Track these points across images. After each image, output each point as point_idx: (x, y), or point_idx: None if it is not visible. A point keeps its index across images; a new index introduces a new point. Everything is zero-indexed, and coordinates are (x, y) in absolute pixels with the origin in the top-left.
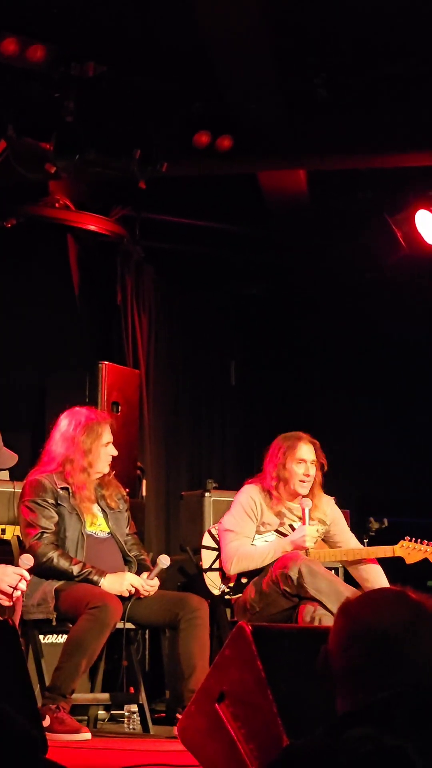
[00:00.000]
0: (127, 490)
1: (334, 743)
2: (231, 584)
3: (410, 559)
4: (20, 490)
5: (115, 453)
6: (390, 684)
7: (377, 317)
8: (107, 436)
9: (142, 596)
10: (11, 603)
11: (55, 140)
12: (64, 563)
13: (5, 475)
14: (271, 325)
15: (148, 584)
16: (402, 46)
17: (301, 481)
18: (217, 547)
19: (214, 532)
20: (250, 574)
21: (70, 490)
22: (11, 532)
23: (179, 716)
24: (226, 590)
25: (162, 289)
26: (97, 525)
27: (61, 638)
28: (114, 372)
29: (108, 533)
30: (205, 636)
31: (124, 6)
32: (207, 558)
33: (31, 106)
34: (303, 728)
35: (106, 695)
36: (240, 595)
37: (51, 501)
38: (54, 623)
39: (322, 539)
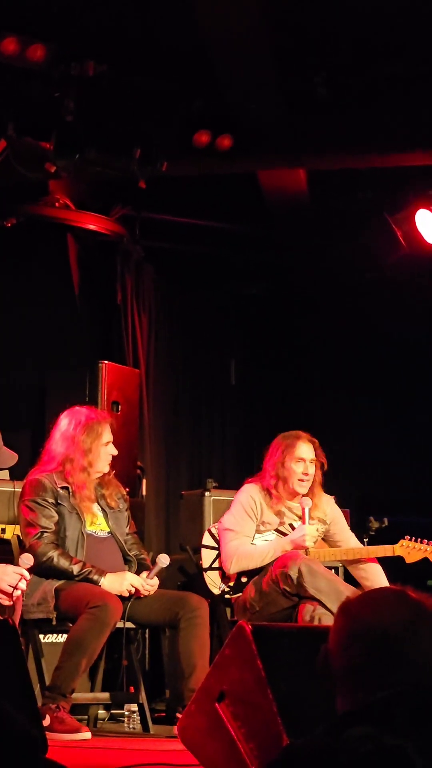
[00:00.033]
0: (127, 489)
1: (334, 742)
2: (231, 583)
3: (410, 559)
4: (20, 490)
5: (115, 452)
6: (390, 683)
7: (377, 317)
8: (107, 435)
9: (142, 596)
10: (11, 602)
11: (55, 139)
12: (64, 563)
13: (5, 474)
14: (271, 324)
15: (147, 584)
16: (402, 45)
17: (300, 480)
18: (217, 546)
19: (214, 531)
20: (250, 574)
21: (70, 490)
22: (11, 532)
23: (179, 715)
24: (226, 589)
25: (162, 289)
26: (97, 524)
27: (61, 638)
28: (114, 371)
29: (108, 533)
30: (205, 635)
31: (124, 5)
32: (207, 557)
33: (31, 106)
34: (303, 727)
35: (106, 695)
36: (240, 594)
37: (51, 500)
38: (54, 623)
39: (322, 538)
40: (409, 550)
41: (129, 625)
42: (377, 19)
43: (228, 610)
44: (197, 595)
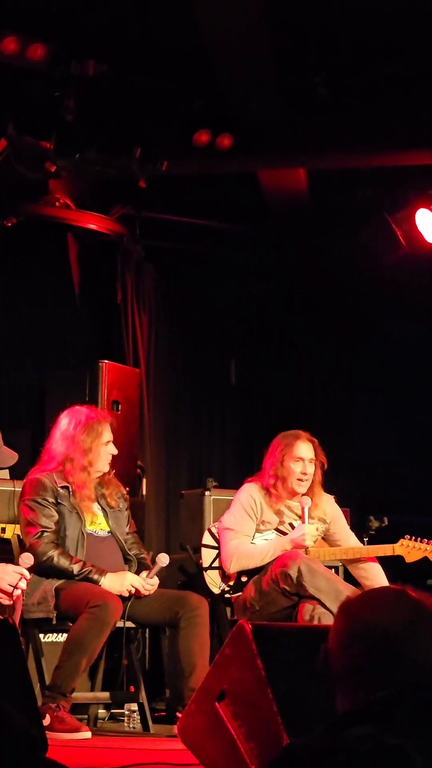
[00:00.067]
0: (127, 488)
1: (334, 742)
2: (231, 583)
3: (410, 558)
4: (20, 489)
5: (115, 452)
6: (390, 683)
7: (377, 316)
8: (107, 434)
9: (142, 595)
10: (11, 602)
11: (56, 139)
12: (64, 562)
13: (5, 473)
14: (271, 323)
15: (147, 583)
16: (402, 45)
17: (298, 479)
18: (217, 545)
19: (214, 530)
20: (250, 573)
21: (70, 489)
22: (11, 531)
23: (179, 715)
24: (226, 589)
25: (162, 288)
26: (97, 524)
27: (62, 637)
28: (114, 371)
29: (108, 532)
30: (205, 634)
31: (124, 5)
32: (207, 557)
33: (31, 105)
34: (303, 727)
35: (106, 694)
36: (240, 593)
37: (51, 500)
38: (54, 622)
39: (322, 538)
40: (409, 549)
41: (129, 624)
42: (377, 19)
43: (228, 610)
44: (197, 594)
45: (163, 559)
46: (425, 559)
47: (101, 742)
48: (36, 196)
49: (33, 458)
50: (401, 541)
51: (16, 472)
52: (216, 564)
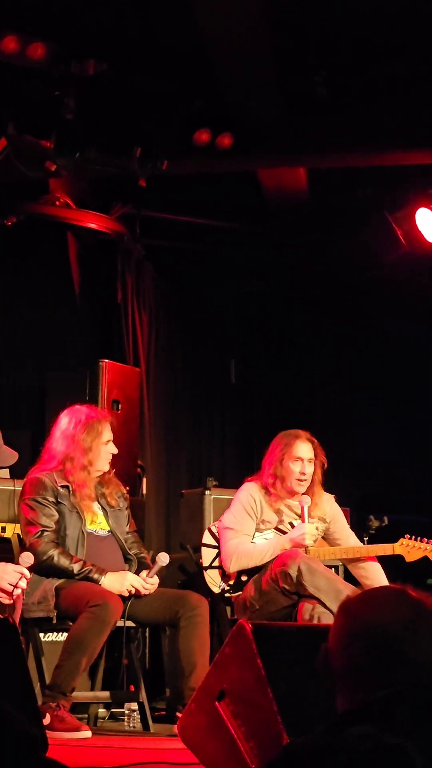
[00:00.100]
0: (128, 488)
1: (334, 741)
2: (231, 582)
3: (410, 557)
4: (20, 489)
5: (116, 451)
6: (390, 682)
7: (377, 315)
8: (107, 434)
9: (142, 595)
10: (11, 601)
11: (56, 138)
12: (64, 561)
13: (5, 473)
14: (271, 322)
15: (147, 583)
16: (402, 45)
17: (297, 479)
18: (217, 545)
19: (214, 530)
20: (250, 572)
21: (71, 488)
22: (11, 530)
23: (179, 714)
24: (226, 588)
25: (162, 287)
26: (98, 523)
27: (62, 636)
28: (114, 370)
29: (108, 531)
30: (205, 634)
31: (125, 5)
32: (207, 556)
33: (31, 104)
34: (303, 726)
35: (106, 693)
36: (240, 593)
37: (51, 499)
38: (54, 621)
39: (322, 537)
40: (409, 548)
41: (129, 623)
42: (377, 19)
43: (228, 609)
44: (197, 593)
45: (163, 559)
46: (425, 558)
47: (101, 742)
48: (36, 195)
49: (33, 457)
50: (401, 540)
51: (17, 472)
52: (216, 563)
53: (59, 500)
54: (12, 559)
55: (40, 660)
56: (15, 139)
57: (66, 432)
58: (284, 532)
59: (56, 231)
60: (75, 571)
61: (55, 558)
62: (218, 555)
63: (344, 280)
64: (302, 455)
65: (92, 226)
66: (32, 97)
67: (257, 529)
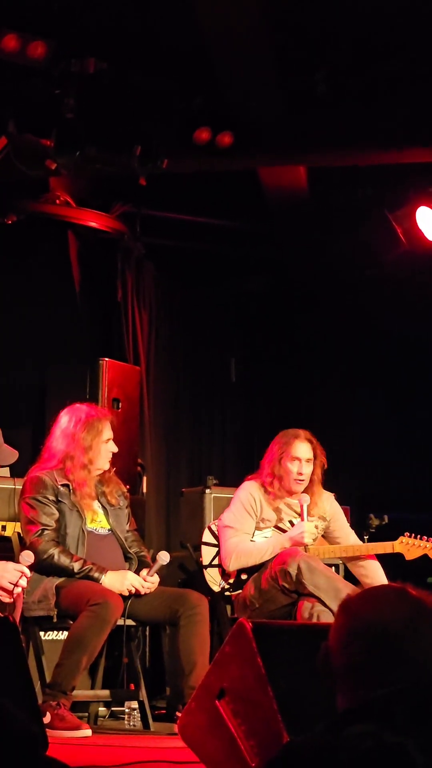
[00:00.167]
0: (128, 486)
1: (335, 740)
2: (231, 581)
3: (410, 556)
4: (21, 487)
5: (116, 450)
6: (390, 681)
7: (377, 313)
8: (107, 432)
9: (142, 594)
10: (12, 600)
11: (56, 137)
12: (64, 560)
13: (5, 471)
14: (271, 321)
15: (148, 582)
16: (402, 43)
17: (295, 479)
18: (217, 543)
19: (214, 528)
20: (250, 571)
21: (71, 487)
22: (12, 529)
23: (179, 713)
24: (226, 587)
25: (162, 286)
26: (98, 522)
27: (62, 635)
28: (114, 368)
29: (108, 530)
30: (205, 632)
31: (125, 4)
32: (207, 554)
33: (31, 103)
34: (303, 725)
35: (106, 692)
36: (240, 591)
37: (51, 498)
38: (55, 620)
39: (322, 536)
40: (409, 547)
41: (129, 622)
42: (377, 18)
43: (228, 607)
44: (197, 592)
45: (164, 557)
46: (425, 556)
47: (101, 740)
48: (36, 193)
49: (33, 456)
50: (401, 538)
51: (17, 470)
52: (216, 562)
53: (59, 499)
54: (12, 557)
55: (41, 659)
56: (15, 137)
57: (66, 430)
58: (284, 531)
59: (56, 230)
60: (75, 570)
61: (56, 557)
62: (218, 553)
63: (344, 279)
64: (300, 455)
65: (92, 224)
66: (32, 95)
67: (257, 528)
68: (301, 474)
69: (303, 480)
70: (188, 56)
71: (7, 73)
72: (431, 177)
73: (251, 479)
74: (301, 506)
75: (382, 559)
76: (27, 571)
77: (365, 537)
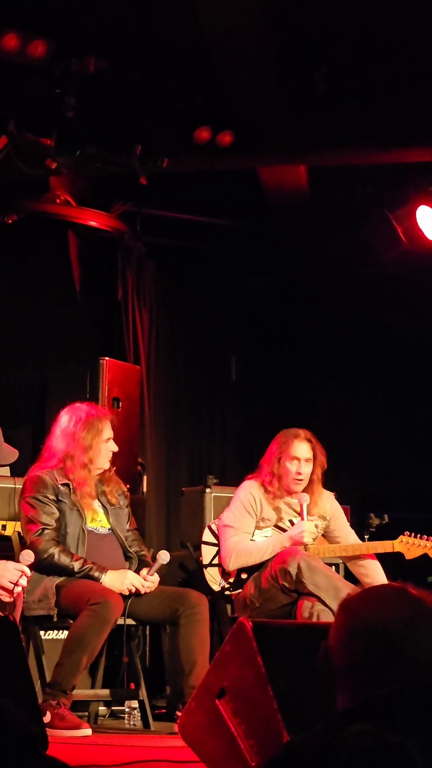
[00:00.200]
0: (128, 486)
1: (335, 739)
2: (231, 580)
3: (410, 555)
4: (21, 486)
5: (116, 449)
6: (390, 680)
7: (378, 312)
8: (108, 432)
9: (142, 593)
10: (12, 599)
11: (56, 136)
12: (65, 559)
13: (6, 471)
14: (271, 320)
15: (148, 581)
16: (402, 43)
17: (293, 479)
18: (217, 542)
19: (214, 527)
20: (250, 570)
21: (71, 486)
22: (12, 529)
23: (179, 713)
24: (226, 586)
25: (163, 285)
26: (98, 521)
27: (62, 634)
28: (115, 368)
29: (109, 529)
30: (205, 631)
31: (125, 3)
32: (207, 554)
33: (32, 102)
34: (303, 724)
35: (106, 691)
36: (240, 590)
37: (52, 497)
38: (55, 619)
39: (322, 535)
40: (409, 546)
41: (130, 621)
42: (377, 17)
43: (228, 607)
44: (197, 591)
45: (164, 557)
46: (425, 556)
47: (102, 740)
48: (37, 193)
49: (33, 455)
50: (401, 537)
51: (17, 470)
52: (216, 561)
53: (60, 498)
54: (12, 557)
55: (41, 658)
56: (15, 136)
57: (66, 430)
58: (284, 530)
59: (57, 229)
60: (75, 569)
61: (56, 556)
62: (218, 553)
63: (345, 278)
64: (299, 455)
65: (93, 224)
66: (33, 94)
67: (257, 527)
68: (299, 473)
69: (302, 479)
70: (188, 56)
71: (8, 73)
72: (431, 176)
73: (251, 478)
74: (301, 506)
75: (382, 558)
76: (27, 571)
77: (366, 536)
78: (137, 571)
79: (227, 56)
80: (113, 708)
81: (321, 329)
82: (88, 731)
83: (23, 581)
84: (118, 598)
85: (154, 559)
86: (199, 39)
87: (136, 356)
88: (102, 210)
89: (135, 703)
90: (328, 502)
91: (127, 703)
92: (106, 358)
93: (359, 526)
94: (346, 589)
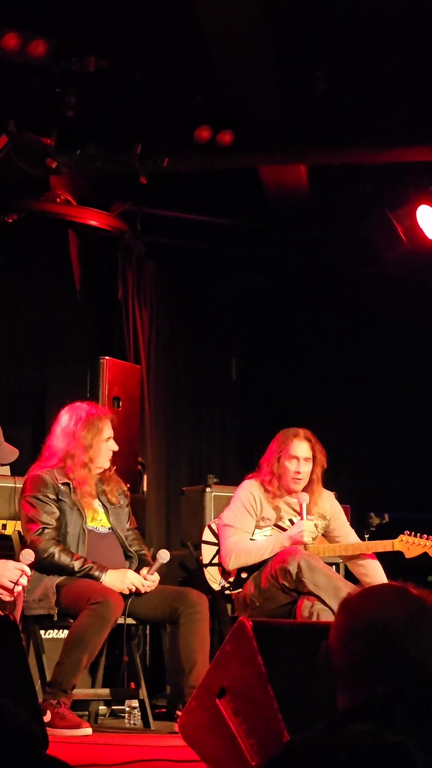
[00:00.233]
0: (128, 485)
1: (335, 739)
2: (231, 579)
3: (410, 554)
4: (21, 486)
5: (116, 448)
6: (390, 679)
7: (378, 312)
8: (108, 431)
9: (142, 592)
10: (12, 598)
11: (56, 135)
12: (65, 559)
13: (6, 470)
14: (271, 319)
15: (148, 580)
16: (402, 43)
17: (292, 478)
18: (217, 542)
19: (214, 527)
20: (250, 569)
21: (71, 486)
22: (12, 528)
23: (179, 712)
24: (226, 585)
25: (163, 284)
26: (98, 520)
27: (62, 633)
28: (115, 367)
29: (109, 528)
30: (205, 630)
31: (125, 3)
32: (207, 553)
33: (32, 101)
34: (303, 724)
35: (106, 690)
36: (240, 590)
37: (52, 496)
38: (55, 619)
39: (322, 534)
40: (409, 545)
41: (130, 621)
42: (377, 16)
43: (228, 606)
44: (196, 590)
45: (164, 556)
46: (425, 555)
47: (102, 739)
48: (37, 192)
49: (34, 455)
50: (401, 536)
51: (17, 469)
52: (216, 560)
53: (60, 497)
54: (13, 556)
55: (41, 657)
56: (16, 136)
57: (66, 429)
58: (283, 529)
59: (57, 228)
60: (76, 569)
61: (56, 555)
62: (218, 552)
63: (345, 277)
64: (298, 454)
65: (93, 223)
66: (33, 94)
67: (257, 526)
68: (298, 472)
69: (301, 478)
70: (188, 55)
71: (8, 72)
72: (431, 176)
73: (251, 478)
74: (301, 505)
75: (382, 557)
76: (27, 570)
77: (366, 536)
78: (137, 571)
79: (227, 56)
80: (113, 707)
81: (321, 328)
82: (88, 730)
83: (23, 580)
84: (118, 597)
85: (154, 558)
86: (199, 39)
87: (136, 355)
88: (102, 209)
89: (135, 703)
90: (328, 502)
91: (127, 702)
92: (107, 358)
93: (359, 525)
94: (346, 588)
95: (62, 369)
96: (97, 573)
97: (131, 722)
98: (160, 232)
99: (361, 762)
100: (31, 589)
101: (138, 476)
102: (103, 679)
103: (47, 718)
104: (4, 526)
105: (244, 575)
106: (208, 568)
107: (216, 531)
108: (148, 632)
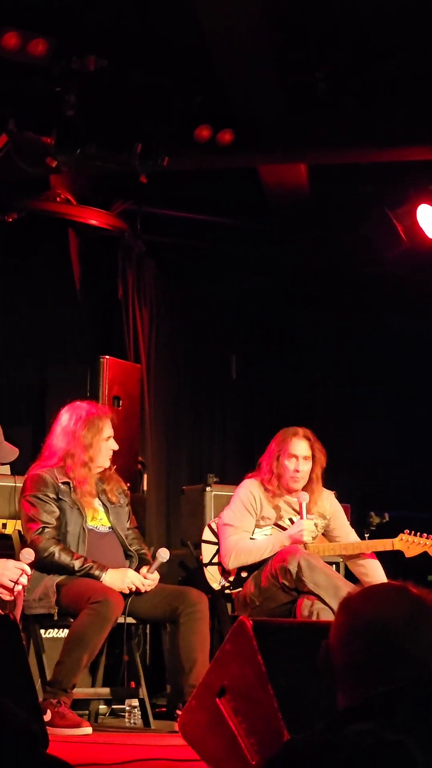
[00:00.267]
0: (128, 484)
1: (335, 738)
2: (231, 578)
3: (410, 553)
4: (21, 485)
5: (116, 447)
6: (391, 679)
7: (378, 311)
8: (108, 430)
9: (142, 592)
10: (12, 597)
11: (56, 134)
12: (65, 558)
13: (6, 469)
14: (271, 318)
15: (148, 579)
16: (402, 43)
17: (291, 477)
18: (217, 541)
19: (214, 526)
20: (250, 569)
21: (71, 485)
22: (12, 527)
23: (179, 711)
24: (226, 585)
25: (163, 283)
26: (98, 519)
27: (63, 633)
28: (115, 366)
29: (109, 528)
30: (205, 630)
31: (125, 2)
32: (207, 552)
33: (32, 101)
34: (303, 723)
35: (107, 690)
36: (240, 589)
37: (52, 496)
38: (55, 618)
39: (322, 534)
40: (409, 544)
41: (130, 620)
42: (377, 16)
43: (228, 605)
44: (196, 589)
45: (164, 555)
46: (425, 554)
47: (102, 738)
48: (37, 191)
49: (34, 454)
50: (401, 535)
51: (17, 468)
52: (216, 560)
53: (60, 497)
54: (13, 555)
55: (41, 656)
56: (16, 135)
57: (66, 428)
58: (283, 529)
59: (57, 227)
60: (76, 568)
61: (56, 555)
62: (218, 551)
63: (345, 277)
64: (297, 452)
65: (93, 222)
66: (33, 93)
67: (257, 526)
68: (297, 471)
69: (300, 477)
70: (188, 55)
71: (8, 71)
72: (431, 175)
73: (251, 477)
74: (300, 504)
75: (382, 557)
76: (27, 569)
77: (366, 535)
78: (137, 570)
79: (227, 56)
80: (113, 706)
81: (321, 328)
82: (88, 730)
83: (23, 580)
84: (118, 596)
85: (154, 557)
86: (199, 39)
87: (136, 355)
88: (102, 208)
89: (135, 702)
90: (328, 501)
91: (127, 701)
92: (107, 357)
93: (359, 524)
94: (346, 587)
95: (62, 368)
96: (97, 572)
97: (131, 721)
98: (160, 232)
99: (361, 761)
100: (31, 588)
101: (138, 475)
102: (103, 679)
103: (47, 717)
104: (5, 526)
105: (244, 574)
106: (208, 567)
107: (216, 530)
108: (148, 631)
